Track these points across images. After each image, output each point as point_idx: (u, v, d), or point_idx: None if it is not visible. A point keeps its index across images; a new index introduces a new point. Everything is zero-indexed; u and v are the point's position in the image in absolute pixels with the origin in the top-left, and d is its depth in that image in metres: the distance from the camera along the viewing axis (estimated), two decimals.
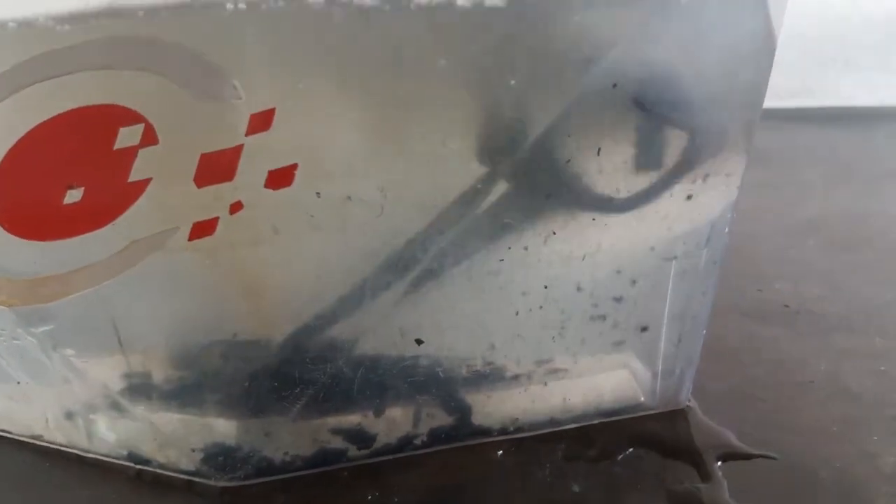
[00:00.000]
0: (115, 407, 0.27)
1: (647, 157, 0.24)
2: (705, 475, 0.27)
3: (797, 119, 0.81)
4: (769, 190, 0.59)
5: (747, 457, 0.27)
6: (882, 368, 0.33)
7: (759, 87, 0.25)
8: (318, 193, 0.23)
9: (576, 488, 0.26)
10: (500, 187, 0.23)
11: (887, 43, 0.89)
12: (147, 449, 0.27)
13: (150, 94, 0.21)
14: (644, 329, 0.28)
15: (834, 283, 0.41)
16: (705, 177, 0.25)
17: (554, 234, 0.25)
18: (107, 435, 0.28)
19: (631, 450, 0.28)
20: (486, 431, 0.28)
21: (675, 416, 0.30)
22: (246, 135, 0.22)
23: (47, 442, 0.29)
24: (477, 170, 0.23)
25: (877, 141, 0.79)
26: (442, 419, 0.28)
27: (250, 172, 0.22)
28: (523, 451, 0.28)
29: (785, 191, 0.61)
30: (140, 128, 0.22)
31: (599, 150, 0.23)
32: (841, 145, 0.77)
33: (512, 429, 0.29)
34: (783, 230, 0.51)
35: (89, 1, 0.20)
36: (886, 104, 0.86)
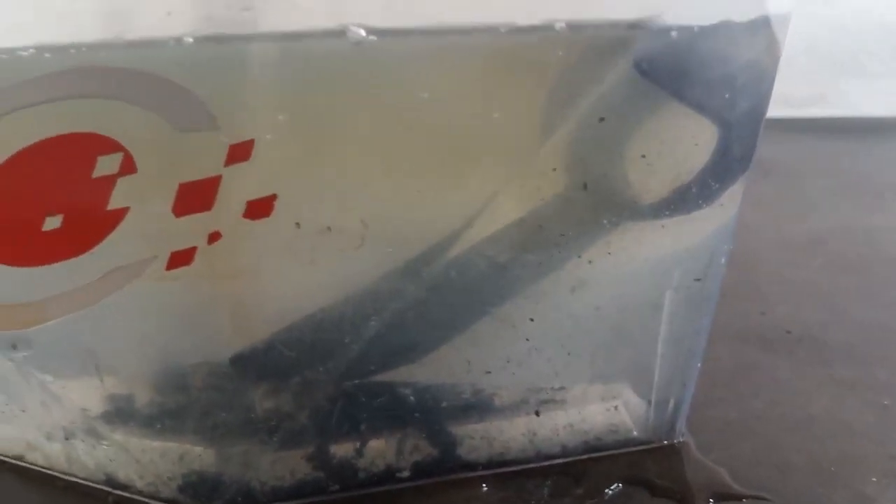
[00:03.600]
0: (93, 432, 0.26)
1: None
2: None
3: (806, 129, 0.80)
4: (773, 204, 0.58)
5: (740, 497, 0.26)
6: (885, 403, 0.32)
7: (759, 113, 0.24)
8: (297, 224, 0.22)
9: None
10: (488, 221, 0.23)
11: None
12: (125, 475, 0.27)
13: (129, 124, 0.21)
14: (638, 360, 0.28)
15: (837, 308, 0.41)
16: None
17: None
18: (85, 459, 0.27)
19: (620, 486, 0.27)
20: (471, 465, 0.28)
21: (668, 452, 0.29)
22: (225, 165, 0.21)
23: (28, 462, 0.29)
24: (463, 206, 0.22)
25: (887, 152, 0.78)
26: (426, 451, 0.27)
27: (229, 202, 0.22)
28: (509, 486, 0.27)
29: (791, 205, 0.60)
30: (119, 156, 0.21)
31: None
32: (850, 156, 0.76)
33: (498, 462, 0.28)
34: (787, 247, 0.50)
35: (75, 34, 0.20)
36: None
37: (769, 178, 0.64)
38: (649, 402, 0.29)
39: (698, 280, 0.26)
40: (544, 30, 0.20)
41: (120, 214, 0.22)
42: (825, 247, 0.49)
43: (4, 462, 0.29)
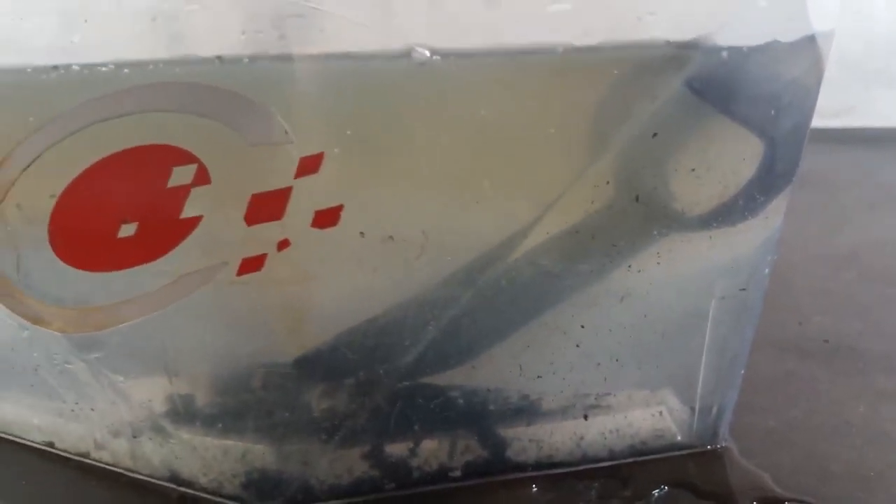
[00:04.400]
0: (159, 430, 0.27)
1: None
2: None
3: (839, 140, 0.80)
4: (810, 216, 0.59)
5: (783, 501, 0.27)
6: None
7: (803, 129, 0.25)
8: (361, 233, 0.23)
9: None
10: (542, 231, 0.24)
11: None
12: (189, 472, 0.28)
13: (204, 137, 0.22)
14: (683, 367, 0.29)
15: (875, 319, 0.41)
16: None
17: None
18: (151, 456, 0.28)
19: (666, 489, 0.28)
20: (521, 466, 0.29)
21: (712, 457, 0.30)
22: (295, 177, 0.22)
23: (93, 460, 0.30)
24: (519, 217, 0.23)
25: None
26: (477, 452, 0.28)
27: (298, 212, 0.23)
28: (558, 488, 0.28)
29: (826, 216, 0.60)
30: (193, 168, 0.22)
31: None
32: (884, 168, 0.76)
33: (547, 464, 0.29)
34: (823, 259, 0.51)
35: (153, 51, 0.21)
36: None
37: (803, 189, 0.64)
38: (693, 409, 0.29)
39: (743, 290, 0.27)
40: (600, 50, 0.21)
41: (193, 223, 0.23)
42: (860, 258, 0.50)
43: (70, 460, 0.30)
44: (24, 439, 0.31)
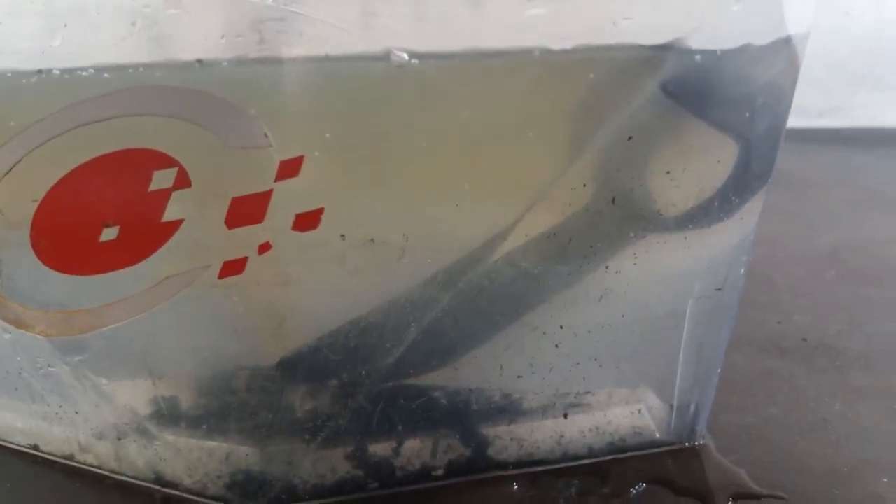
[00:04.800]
0: (144, 432, 0.28)
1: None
2: None
3: (823, 140, 0.81)
4: (792, 214, 0.59)
5: (758, 497, 0.28)
6: None
7: (778, 130, 0.25)
8: (342, 236, 0.24)
9: None
10: (521, 233, 0.24)
11: None
12: (174, 473, 0.28)
13: (184, 140, 0.22)
14: (661, 366, 0.29)
15: (854, 318, 0.42)
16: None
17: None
18: (135, 458, 0.28)
19: (644, 486, 0.28)
20: (502, 464, 0.29)
21: (690, 454, 0.30)
22: (275, 180, 0.23)
23: (78, 462, 0.30)
24: (498, 219, 0.24)
25: None
26: (459, 451, 0.29)
27: (279, 215, 0.23)
28: (538, 486, 0.28)
29: (808, 216, 0.61)
30: (174, 171, 0.23)
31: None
32: (868, 168, 0.76)
33: (528, 462, 0.29)
34: (805, 258, 0.51)
35: (134, 55, 0.21)
36: None
37: (785, 189, 0.65)
38: (671, 406, 0.30)
39: (719, 290, 0.27)
40: (576, 53, 0.21)
41: (174, 226, 0.24)
42: (841, 258, 0.50)
43: (55, 462, 0.30)
44: (7, 442, 0.31)
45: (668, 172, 0.24)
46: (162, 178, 0.23)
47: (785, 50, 0.24)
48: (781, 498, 0.27)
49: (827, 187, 0.70)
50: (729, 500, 0.27)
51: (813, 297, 0.45)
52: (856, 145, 0.82)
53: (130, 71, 0.22)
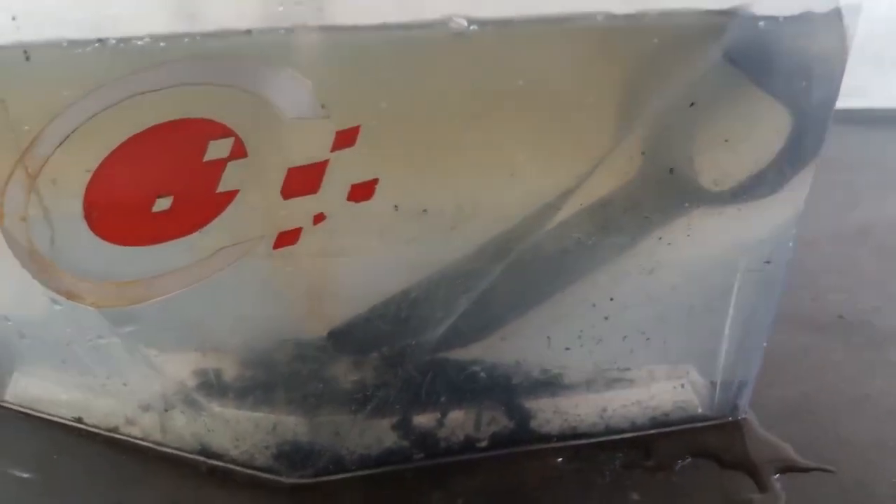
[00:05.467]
0: (191, 403, 0.28)
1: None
2: (763, 487, 0.27)
3: (847, 120, 0.80)
4: (819, 194, 0.59)
5: (806, 470, 0.28)
6: None
7: (830, 102, 0.25)
8: (396, 206, 0.24)
9: (635, 496, 0.27)
10: (576, 203, 0.24)
11: None
12: (220, 444, 0.28)
13: (240, 110, 0.22)
14: (705, 340, 0.29)
15: (889, 295, 0.41)
16: None
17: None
18: (181, 430, 0.29)
19: (689, 459, 0.28)
20: (545, 437, 0.29)
21: (732, 428, 0.30)
22: (331, 150, 0.23)
23: (122, 434, 0.30)
24: (553, 188, 0.24)
25: None
26: (503, 424, 0.29)
27: (334, 186, 0.23)
28: (583, 458, 0.29)
29: (836, 195, 0.61)
30: (230, 141, 0.23)
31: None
32: (892, 148, 0.76)
33: (570, 435, 0.29)
34: (836, 237, 0.51)
35: (192, 24, 0.21)
36: None
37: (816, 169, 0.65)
38: (714, 383, 0.30)
39: (768, 262, 0.27)
40: (639, 18, 0.21)
41: (229, 197, 0.24)
42: (873, 236, 0.50)
43: (98, 435, 0.31)
44: (52, 415, 0.32)
45: (726, 141, 0.23)
46: (218, 148, 0.23)
47: (839, 19, 0.24)
48: (829, 471, 0.27)
49: (852, 168, 0.69)
50: (777, 474, 0.27)
51: (846, 275, 0.44)
52: (880, 126, 0.82)
53: (186, 40, 0.22)
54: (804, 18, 0.22)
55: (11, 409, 0.33)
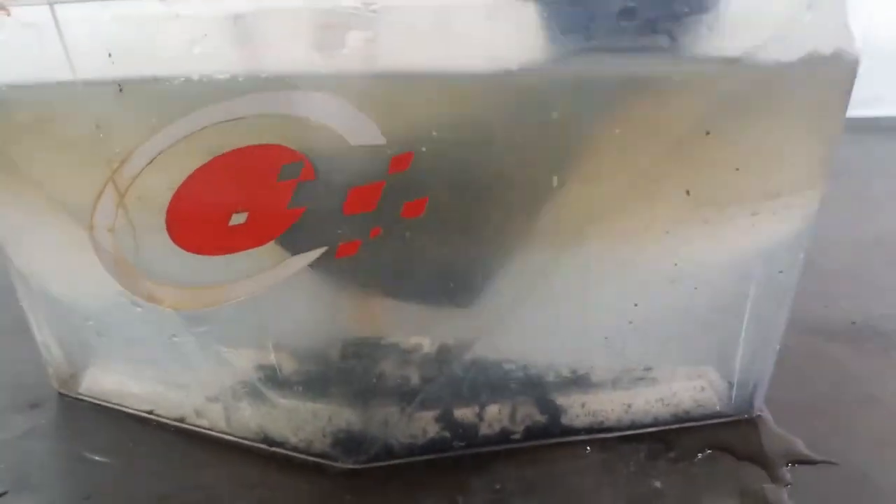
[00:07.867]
0: (256, 394, 0.31)
1: None
2: (774, 478, 0.30)
3: (864, 129, 0.82)
4: (835, 203, 0.61)
5: (814, 462, 0.30)
6: None
7: (839, 115, 0.28)
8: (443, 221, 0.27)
9: (657, 484, 0.29)
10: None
11: None
12: (281, 432, 0.31)
13: (311, 138, 0.25)
14: (723, 343, 0.32)
15: None
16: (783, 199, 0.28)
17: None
18: (247, 420, 0.32)
19: (708, 452, 0.31)
20: (575, 430, 0.32)
21: (748, 424, 0.33)
22: (388, 173, 0.26)
23: (190, 424, 0.33)
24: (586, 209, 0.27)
25: None
26: (536, 418, 0.31)
27: (389, 204, 0.26)
28: (609, 450, 0.31)
29: (852, 204, 0.63)
30: (300, 165, 0.26)
31: None
32: None
33: (598, 429, 0.32)
34: (849, 245, 0.53)
35: (260, 71, 0.24)
36: None
37: (832, 177, 0.66)
38: (731, 383, 0.32)
39: (781, 272, 0.30)
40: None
41: (297, 213, 0.27)
42: (886, 245, 0.52)
43: (167, 425, 0.34)
44: (126, 407, 0.35)
45: (737, 170, 0.26)
46: (290, 171, 0.26)
47: (846, 57, 0.26)
48: (834, 463, 0.30)
49: (868, 176, 0.71)
50: (787, 465, 0.30)
51: (859, 283, 0.47)
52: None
53: (263, 76, 0.25)
54: (808, 61, 0.25)
55: (86, 401, 0.36)
